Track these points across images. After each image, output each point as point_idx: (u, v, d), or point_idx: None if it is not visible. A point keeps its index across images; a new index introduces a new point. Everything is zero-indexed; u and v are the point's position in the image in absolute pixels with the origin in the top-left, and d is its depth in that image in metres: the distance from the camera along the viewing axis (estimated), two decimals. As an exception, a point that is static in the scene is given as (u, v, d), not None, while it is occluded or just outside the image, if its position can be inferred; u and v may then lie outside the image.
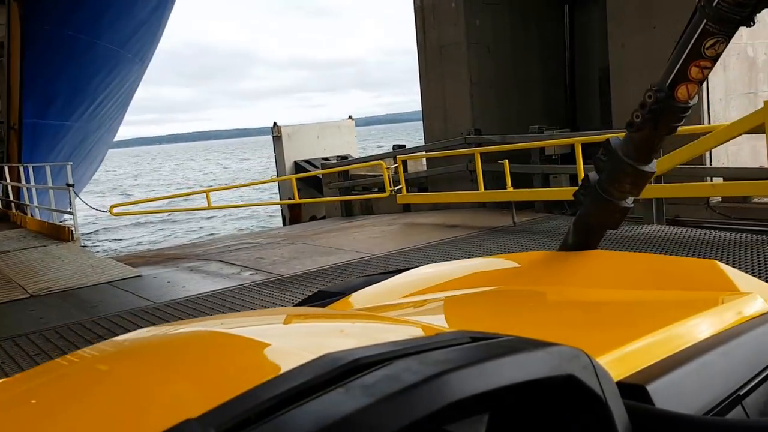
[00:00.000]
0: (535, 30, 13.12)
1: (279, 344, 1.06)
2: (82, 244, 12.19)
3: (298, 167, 18.29)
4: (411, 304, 1.75)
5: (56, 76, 17.23)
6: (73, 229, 11.87)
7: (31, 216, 14.50)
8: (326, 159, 17.87)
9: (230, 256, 9.71)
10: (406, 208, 12.89)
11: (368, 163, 13.13)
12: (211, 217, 29.60)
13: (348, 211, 14.84)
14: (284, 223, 18.56)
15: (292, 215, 18.26)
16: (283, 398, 0.71)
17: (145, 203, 14.43)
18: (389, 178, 11.26)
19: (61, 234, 12.18)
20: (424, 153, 12.76)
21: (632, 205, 1.98)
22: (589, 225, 2.00)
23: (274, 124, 18.34)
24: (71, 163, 12.44)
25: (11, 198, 16.65)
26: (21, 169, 15.08)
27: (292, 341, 1.17)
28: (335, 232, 11.30)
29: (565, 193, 8.98)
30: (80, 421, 0.88)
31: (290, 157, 18.32)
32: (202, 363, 1.03)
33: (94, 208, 12.86)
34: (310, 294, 2.15)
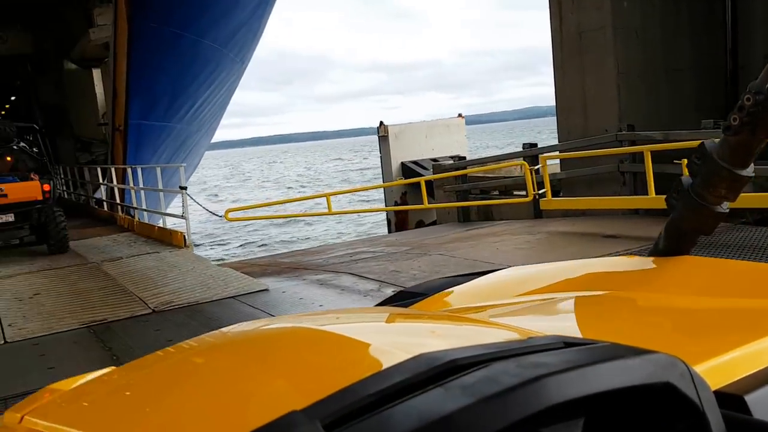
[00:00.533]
0: (686, 11, 11.54)
1: (373, 342, 1.10)
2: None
3: (405, 169, 17.28)
4: (499, 306, 1.74)
5: (161, 76, 16.91)
6: (185, 234, 11.23)
7: (139, 219, 14.07)
8: (435, 160, 16.77)
9: (359, 268, 8.72)
10: (537, 215, 11.60)
11: (502, 164, 11.87)
12: (305, 222, 28.87)
13: (465, 217, 13.67)
14: (390, 229, 17.59)
15: (398, 220, 17.26)
16: (383, 395, 0.74)
17: (259, 208, 13.71)
18: (532, 180, 9.98)
19: (173, 239, 11.59)
20: (578, 152, 11.13)
21: (727, 211, 1.90)
22: (682, 230, 1.95)
23: (381, 123, 17.39)
24: (184, 164, 11.84)
25: (117, 200, 16.39)
26: (129, 170, 14.73)
27: (385, 339, 1.19)
28: (467, 241, 10.14)
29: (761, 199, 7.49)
30: (184, 409, 0.97)
31: (397, 158, 17.32)
32: (300, 358, 1.10)
33: (212, 212, 12.21)
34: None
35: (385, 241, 12.62)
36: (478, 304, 1.77)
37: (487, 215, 13.36)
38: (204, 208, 11.84)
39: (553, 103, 12.02)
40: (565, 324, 1.58)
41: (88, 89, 21.52)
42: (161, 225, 12.94)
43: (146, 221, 14.39)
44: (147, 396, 1.14)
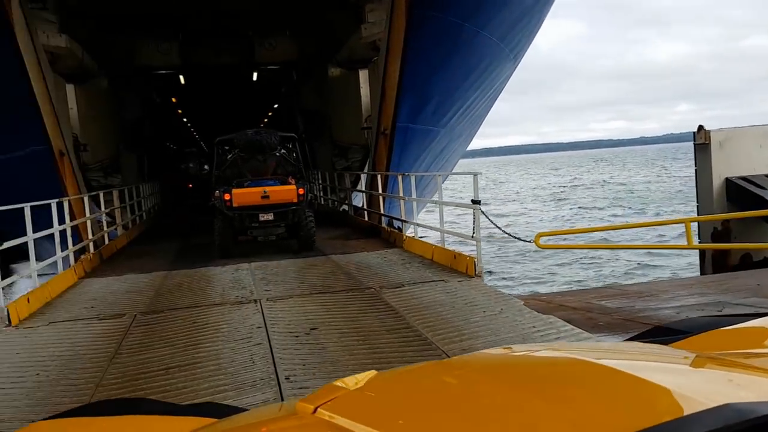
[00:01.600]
0: None
1: (667, 384, 1.12)
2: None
3: (732, 187, 13.40)
4: None
5: (435, 72, 15.09)
6: (476, 260, 8.92)
7: (408, 236, 12.18)
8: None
9: None
10: None
11: None
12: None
13: None
14: (703, 267, 13.81)
15: (717, 255, 13.41)
16: None
17: (575, 233, 11.00)
18: None
19: (457, 265, 9.36)
20: None
21: None
22: None
23: (700, 128, 13.69)
24: (480, 173, 9.57)
25: (381, 210, 14.81)
26: (400, 179, 12.97)
27: (679, 382, 1.18)
28: None
29: None
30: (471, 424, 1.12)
31: (720, 173, 13.49)
32: (592, 394, 1.16)
33: (514, 237, 9.79)
34: None
35: (735, 285, 9.15)
36: (761, 351, 1.62)
37: None
38: (504, 231, 9.42)
39: None
40: None
41: (351, 92, 20.67)
42: (438, 244, 10.85)
43: (413, 235, 12.49)
44: (437, 402, 1.30)
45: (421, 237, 12.38)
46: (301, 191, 12.27)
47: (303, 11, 24.43)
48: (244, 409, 1.98)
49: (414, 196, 12.61)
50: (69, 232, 11.62)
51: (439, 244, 10.91)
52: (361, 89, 19.05)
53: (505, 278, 20.66)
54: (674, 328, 1.94)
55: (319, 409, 1.32)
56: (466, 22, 14.54)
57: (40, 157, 14.40)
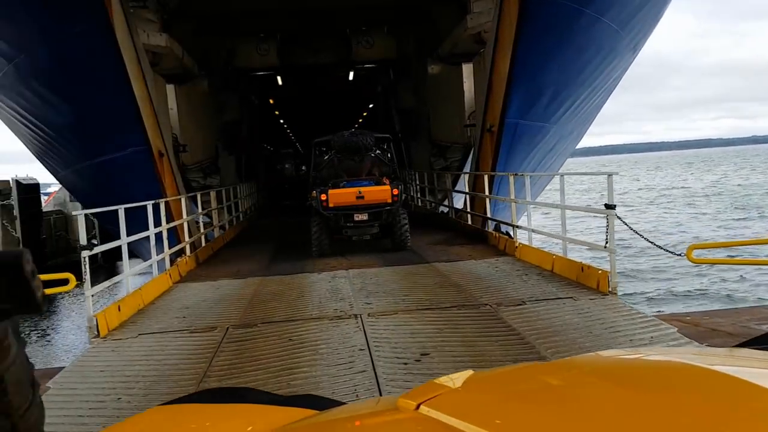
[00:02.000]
0: None
1: None
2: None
3: None
4: None
5: (549, 63, 13.78)
6: (609, 274, 7.65)
7: (521, 243, 10.98)
8: None
9: None
10: None
11: None
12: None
13: None
14: None
15: None
16: None
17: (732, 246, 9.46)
18: None
19: (585, 278, 8.11)
20: None
21: None
22: None
23: None
24: (616, 173, 8.27)
25: (488, 213, 13.67)
26: (511, 179, 11.78)
27: None
28: None
29: None
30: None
31: None
32: (698, 399, 1.17)
33: (663, 248, 8.42)
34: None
35: None
36: None
37: None
38: (648, 241, 8.04)
39: None
40: None
41: (452, 89, 19.63)
42: (557, 252, 9.62)
43: (524, 240, 11.30)
44: (539, 402, 1.30)
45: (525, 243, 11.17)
46: (395, 191, 12.39)
47: (402, 6, 23.63)
48: (342, 403, 1.99)
49: (528, 197, 11.46)
50: (165, 235, 11.24)
51: (558, 253, 9.68)
52: (464, 84, 17.94)
53: (633, 293, 18.54)
54: None
55: (422, 406, 1.32)
56: (586, 8, 13.14)
57: (139, 158, 14.26)
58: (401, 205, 12.62)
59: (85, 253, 7.35)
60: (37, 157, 19.39)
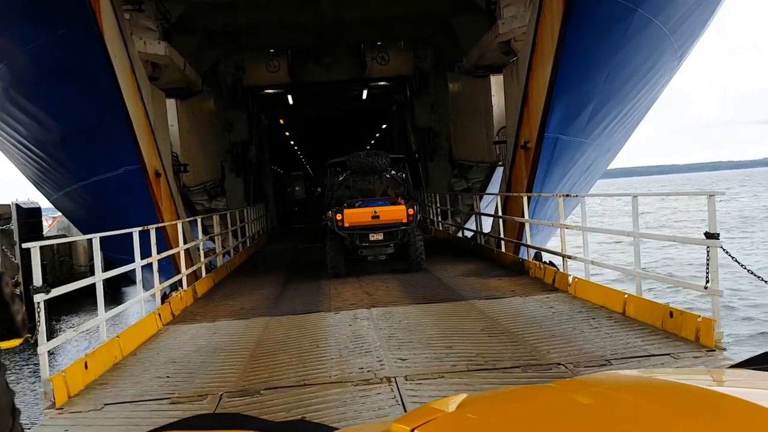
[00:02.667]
0: None
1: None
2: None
3: None
4: None
5: (595, 70, 12.17)
6: (714, 323, 5.92)
7: (576, 276, 9.24)
8: None
9: None
10: None
11: None
12: None
13: None
14: None
15: None
16: None
17: None
18: None
19: (678, 327, 6.37)
20: None
21: None
22: None
23: None
24: (722, 192, 6.60)
25: (527, 240, 11.98)
26: (561, 201, 10.08)
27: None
28: None
29: None
30: None
31: None
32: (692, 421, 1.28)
33: None
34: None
35: None
36: None
37: None
38: (760, 277, 6.31)
39: None
40: None
41: (478, 103, 18.05)
42: (626, 290, 7.88)
43: (579, 274, 9.62)
44: (533, 425, 1.37)
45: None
46: (410, 211, 12.41)
47: (420, 18, 22.18)
48: (335, 428, 2.05)
49: (562, 219, 9.80)
50: (156, 267, 9.63)
51: (626, 290, 7.95)
52: (493, 98, 16.33)
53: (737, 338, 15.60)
54: None
55: (416, 431, 1.36)
56: (640, 6, 11.54)
57: (133, 178, 12.72)
58: (417, 225, 12.61)
59: (40, 297, 5.71)
60: (30, 181, 17.93)
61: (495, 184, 24.21)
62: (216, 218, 15.05)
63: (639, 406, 1.37)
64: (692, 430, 1.20)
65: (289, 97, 30.88)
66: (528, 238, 11.99)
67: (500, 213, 14.55)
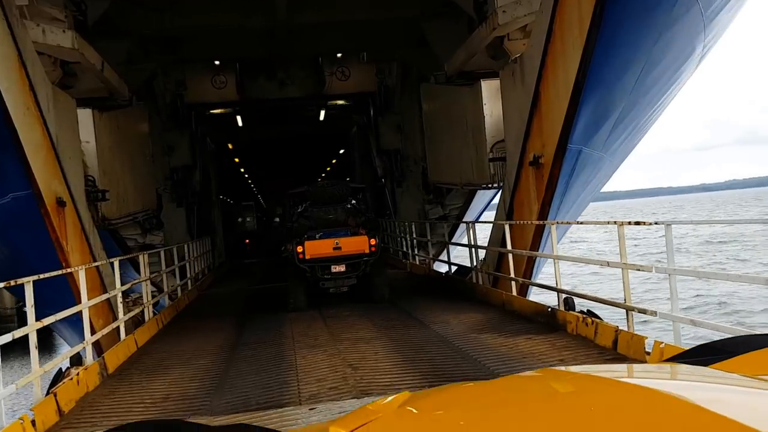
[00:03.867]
0: None
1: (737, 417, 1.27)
2: None
3: None
4: None
5: (635, 65, 9.55)
6: None
7: (658, 340, 6.41)
8: None
9: None
10: None
11: None
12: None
13: None
14: None
15: None
16: None
17: None
18: None
19: None
20: None
21: None
22: None
23: None
24: None
25: (557, 284, 9.11)
26: (623, 234, 7.28)
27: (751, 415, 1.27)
28: None
29: None
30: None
31: None
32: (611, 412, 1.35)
33: None
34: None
35: None
36: None
37: None
38: None
39: None
40: None
41: (463, 115, 15.31)
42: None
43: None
44: (469, 423, 1.38)
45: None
46: (372, 241, 12.24)
47: (385, 25, 19.59)
48: (275, 431, 1.97)
49: (624, 259, 7.05)
50: (33, 340, 6.39)
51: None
52: (485, 107, 13.59)
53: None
54: (716, 347, 1.89)
55: None
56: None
57: (25, 207, 9.45)
58: (379, 256, 12.40)
59: None
60: None
61: (474, 211, 21.62)
62: (144, 258, 11.75)
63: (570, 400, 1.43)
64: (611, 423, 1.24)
65: (239, 118, 27.78)
66: (558, 282, 9.12)
67: (499, 245, 11.78)
